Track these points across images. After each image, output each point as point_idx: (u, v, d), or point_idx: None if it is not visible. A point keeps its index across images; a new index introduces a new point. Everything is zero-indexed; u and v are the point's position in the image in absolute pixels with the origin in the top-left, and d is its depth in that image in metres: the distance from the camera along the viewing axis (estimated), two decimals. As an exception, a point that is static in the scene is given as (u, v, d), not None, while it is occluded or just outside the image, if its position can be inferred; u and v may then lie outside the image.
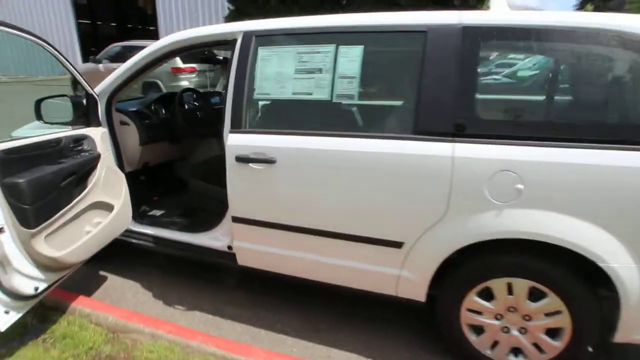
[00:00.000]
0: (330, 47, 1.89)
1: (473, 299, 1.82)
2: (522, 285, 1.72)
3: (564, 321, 1.68)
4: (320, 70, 1.91)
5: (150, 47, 2.32)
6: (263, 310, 2.35)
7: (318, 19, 1.96)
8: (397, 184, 1.77)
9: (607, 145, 1.53)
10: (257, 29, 2.04)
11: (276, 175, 1.96)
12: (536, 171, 1.58)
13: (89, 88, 2.28)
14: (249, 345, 2.03)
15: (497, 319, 1.82)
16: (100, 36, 19.66)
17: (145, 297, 2.48)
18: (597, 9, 15.60)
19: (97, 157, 2.17)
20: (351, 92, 1.85)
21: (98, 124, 2.37)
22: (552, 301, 1.67)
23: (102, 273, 2.67)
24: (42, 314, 2.16)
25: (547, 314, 1.71)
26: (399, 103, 1.85)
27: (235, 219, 2.15)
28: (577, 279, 1.64)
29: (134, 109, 2.68)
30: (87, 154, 2.12)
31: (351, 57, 1.85)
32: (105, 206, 2.24)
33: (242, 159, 2.01)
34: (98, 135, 2.28)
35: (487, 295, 1.80)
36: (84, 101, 2.34)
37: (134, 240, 2.54)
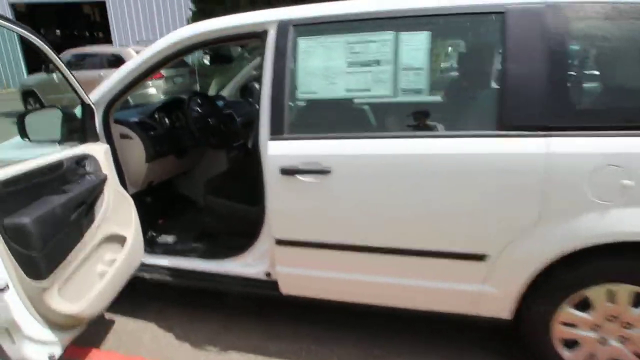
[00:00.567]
0: (388, 35, 1.62)
1: (567, 311, 1.62)
2: (626, 291, 1.54)
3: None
4: (377, 62, 1.64)
5: (158, 45, 1.95)
6: (310, 341, 2.04)
7: (370, 3, 1.68)
8: (481, 189, 1.54)
9: None
10: (295, 18, 1.74)
11: (333, 187, 1.67)
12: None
13: (86, 96, 1.88)
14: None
15: (593, 330, 1.63)
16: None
17: (166, 340, 2.10)
18: None
19: (104, 181, 1.78)
20: (418, 85, 1.59)
21: (97, 139, 1.98)
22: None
23: (109, 317, 2.25)
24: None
25: (656, 321, 1.54)
26: (477, 96, 1.62)
27: (280, 242, 1.83)
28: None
29: (136, 119, 2.28)
30: (92, 177, 1.73)
31: (416, 46, 1.59)
32: (117, 239, 1.85)
33: (289, 171, 1.70)
34: (101, 152, 1.89)
35: (583, 304, 1.61)
36: (78, 112, 1.94)
37: (147, 275, 2.16)
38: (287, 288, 1.95)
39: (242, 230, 2.08)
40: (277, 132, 1.74)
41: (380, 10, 1.64)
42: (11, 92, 13.87)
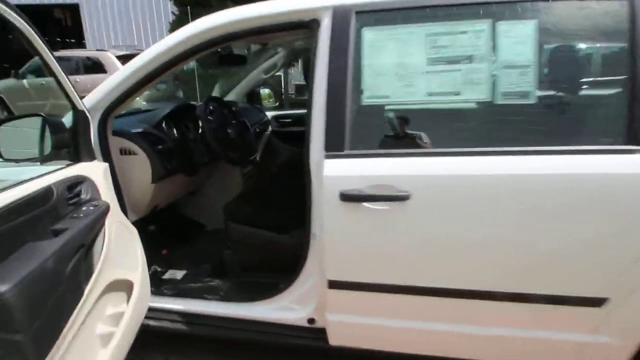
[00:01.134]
0: (483, 24, 1.28)
1: None
2: None
3: None
4: (469, 59, 1.29)
5: (173, 38, 1.55)
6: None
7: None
8: (609, 216, 1.21)
9: None
10: (357, 3, 1.37)
11: (411, 216, 1.30)
12: None
13: (80, 102, 1.45)
14: None
15: None
16: (14, 51, 17.28)
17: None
18: None
19: (106, 211, 1.35)
20: (525, 87, 1.25)
21: (93, 157, 1.54)
22: None
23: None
24: None
25: None
26: (601, 101, 1.29)
27: (335, 284, 1.44)
28: None
29: (139, 130, 1.84)
30: (91, 207, 1.29)
31: (519, 37, 1.26)
32: (121, 285, 1.41)
33: (352, 197, 1.32)
34: (99, 173, 1.46)
35: None
36: (67, 121, 1.51)
37: (152, 322, 1.72)
38: (339, 338, 1.56)
39: (274, 264, 1.69)
40: (335, 147, 1.36)
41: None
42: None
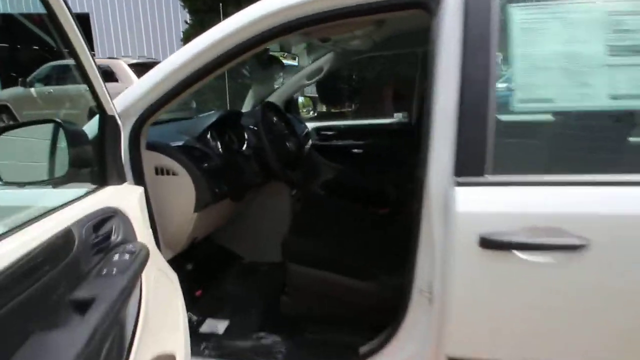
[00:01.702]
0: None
1: None
2: None
3: None
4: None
5: (237, 19, 1.16)
6: None
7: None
8: None
9: None
10: (500, -30, 0.99)
11: (590, 272, 0.90)
12: None
13: (112, 104, 1.06)
14: None
15: None
16: (22, 59, 17.22)
17: None
18: None
19: (146, 261, 0.94)
20: None
21: (122, 177, 1.15)
22: None
23: None
24: None
25: None
26: None
27: (461, 364, 1.03)
28: None
29: (180, 143, 1.44)
30: (125, 256, 0.89)
31: None
32: (160, 362, 1.00)
33: (498, 243, 0.92)
34: (134, 202, 1.06)
35: None
36: (90, 130, 1.12)
37: None
38: None
39: (350, 319, 1.29)
40: (471, 171, 0.96)
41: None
42: None
